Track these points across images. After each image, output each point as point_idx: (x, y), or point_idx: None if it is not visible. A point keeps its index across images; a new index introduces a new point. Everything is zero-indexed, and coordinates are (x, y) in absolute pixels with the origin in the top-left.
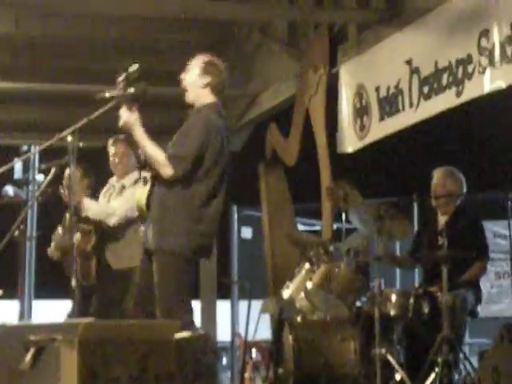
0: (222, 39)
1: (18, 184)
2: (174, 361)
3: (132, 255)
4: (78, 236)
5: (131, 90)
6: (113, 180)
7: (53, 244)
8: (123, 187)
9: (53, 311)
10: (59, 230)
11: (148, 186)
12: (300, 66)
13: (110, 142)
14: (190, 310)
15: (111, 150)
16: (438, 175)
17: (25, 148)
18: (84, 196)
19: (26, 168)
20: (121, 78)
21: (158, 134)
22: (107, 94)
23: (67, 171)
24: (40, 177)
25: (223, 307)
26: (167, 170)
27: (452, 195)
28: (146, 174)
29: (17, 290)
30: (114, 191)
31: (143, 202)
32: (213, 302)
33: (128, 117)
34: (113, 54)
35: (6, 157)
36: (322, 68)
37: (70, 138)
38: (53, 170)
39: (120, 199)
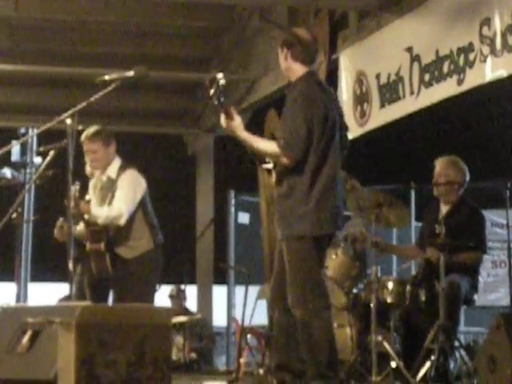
0: (222, 24)
1: (15, 167)
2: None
3: (142, 242)
4: (82, 228)
5: (131, 73)
6: (97, 172)
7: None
8: (110, 179)
9: (49, 294)
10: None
11: (274, 176)
12: None
13: (81, 138)
14: (322, 295)
15: (84, 147)
16: (440, 164)
17: (23, 131)
18: (88, 206)
19: (23, 151)
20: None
21: (161, 118)
22: (107, 77)
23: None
24: (38, 160)
25: (219, 292)
26: (284, 160)
27: (453, 184)
28: (269, 166)
29: (13, 272)
30: (102, 184)
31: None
32: (209, 286)
33: (227, 124)
34: (113, 37)
35: (4, 139)
36: (322, 54)
37: (68, 121)
38: (51, 153)
39: (119, 197)
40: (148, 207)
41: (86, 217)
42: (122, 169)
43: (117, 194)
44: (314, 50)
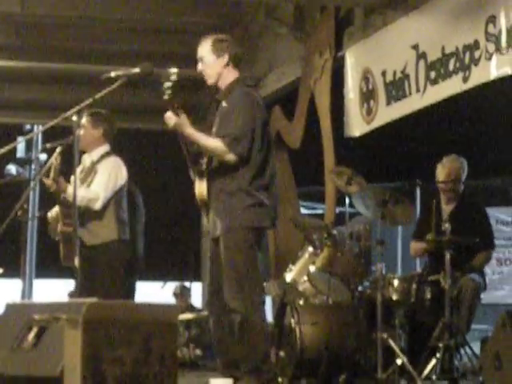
0: (227, 21)
1: (20, 163)
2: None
3: (105, 231)
4: (54, 213)
5: (136, 69)
6: (85, 155)
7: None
8: (92, 163)
9: (54, 290)
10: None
11: (205, 179)
12: (305, 49)
13: None
14: (260, 289)
15: None
16: (450, 163)
17: (28, 127)
18: (66, 184)
19: (29, 147)
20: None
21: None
22: (113, 74)
23: (51, 161)
24: (43, 156)
25: None
26: (230, 156)
27: (459, 181)
28: (201, 168)
29: (19, 268)
30: (85, 167)
31: (205, 195)
32: None
33: (175, 121)
34: (118, 34)
35: (10, 135)
36: (328, 51)
37: (74, 118)
38: (58, 150)
39: (99, 182)
40: (122, 199)
41: (62, 196)
42: (106, 155)
43: (96, 179)
44: (239, 54)
